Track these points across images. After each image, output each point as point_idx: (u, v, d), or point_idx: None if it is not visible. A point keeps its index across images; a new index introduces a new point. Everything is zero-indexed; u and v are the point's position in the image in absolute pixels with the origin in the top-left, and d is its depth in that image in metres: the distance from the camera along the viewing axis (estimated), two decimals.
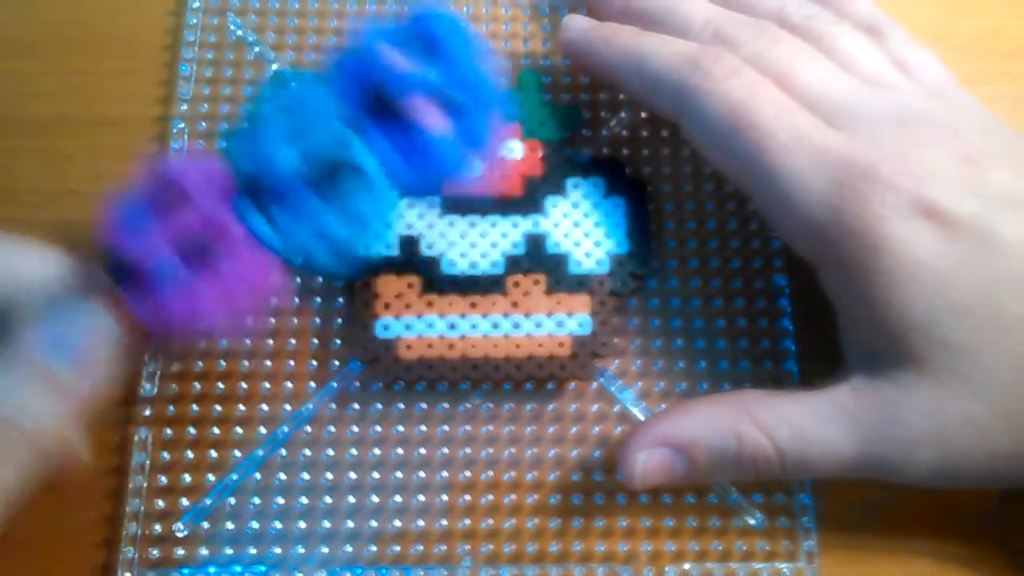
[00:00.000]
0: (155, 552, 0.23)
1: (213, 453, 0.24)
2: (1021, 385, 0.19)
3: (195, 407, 0.24)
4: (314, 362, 0.24)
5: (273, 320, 0.25)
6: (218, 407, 0.24)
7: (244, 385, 0.24)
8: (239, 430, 0.24)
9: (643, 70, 0.23)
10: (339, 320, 0.25)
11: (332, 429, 0.24)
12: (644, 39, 0.23)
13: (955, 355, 0.19)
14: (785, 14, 0.23)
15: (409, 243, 0.24)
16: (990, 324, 0.19)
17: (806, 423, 0.20)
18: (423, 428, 0.24)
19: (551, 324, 0.24)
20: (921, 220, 0.19)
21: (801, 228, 0.21)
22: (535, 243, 0.25)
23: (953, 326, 0.19)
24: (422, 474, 0.24)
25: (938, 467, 0.20)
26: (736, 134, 0.21)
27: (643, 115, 0.27)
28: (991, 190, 0.20)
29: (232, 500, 0.23)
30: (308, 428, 0.24)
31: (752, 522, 0.23)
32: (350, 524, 0.23)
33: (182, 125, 0.26)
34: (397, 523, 0.23)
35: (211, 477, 0.23)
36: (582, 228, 0.25)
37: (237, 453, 0.24)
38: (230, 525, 0.23)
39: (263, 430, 0.24)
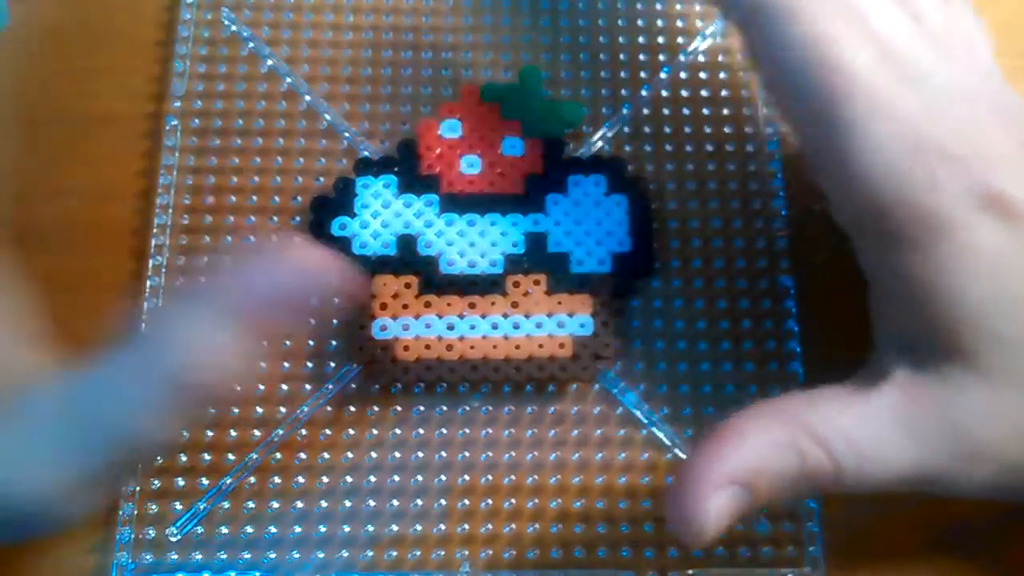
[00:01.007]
0: (148, 557, 0.22)
1: (207, 456, 0.23)
2: None
3: None
4: (310, 364, 0.24)
5: None
6: (212, 409, 0.23)
7: (238, 387, 0.24)
8: (233, 433, 0.23)
9: None
10: (335, 321, 0.24)
11: (328, 432, 0.23)
12: None
13: (1011, 354, 0.18)
14: None
15: (406, 242, 0.24)
16: None
17: (862, 434, 0.18)
18: (421, 431, 0.24)
19: (552, 325, 0.23)
20: (986, 208, 0.18)
21: (860, 191, 0.19)
22: (535, 242, 0.24)
23: (1008, 319, 0.18)
24: (420, 478, 0.23)
25: (996, 480, 0.19)
26: (816, 72, 0.19)
27: (645, 112, 0.27)
28: None
29: (226, 504, 0.23)
30: (303, 431, 0.24)
31: (756, 527, 0.23)
32: (346, 529, 0.23)
33: (175, 122, 0.26)
34: (394, 528, 0.23)
35: (205, 481, 0.23)
36: (583, 227, 0.24)
37: (231, 456, 0.23)
38: (224, 529, 0.23)
39: (258, 433, 0.23)
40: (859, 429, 0.18)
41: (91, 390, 0.18)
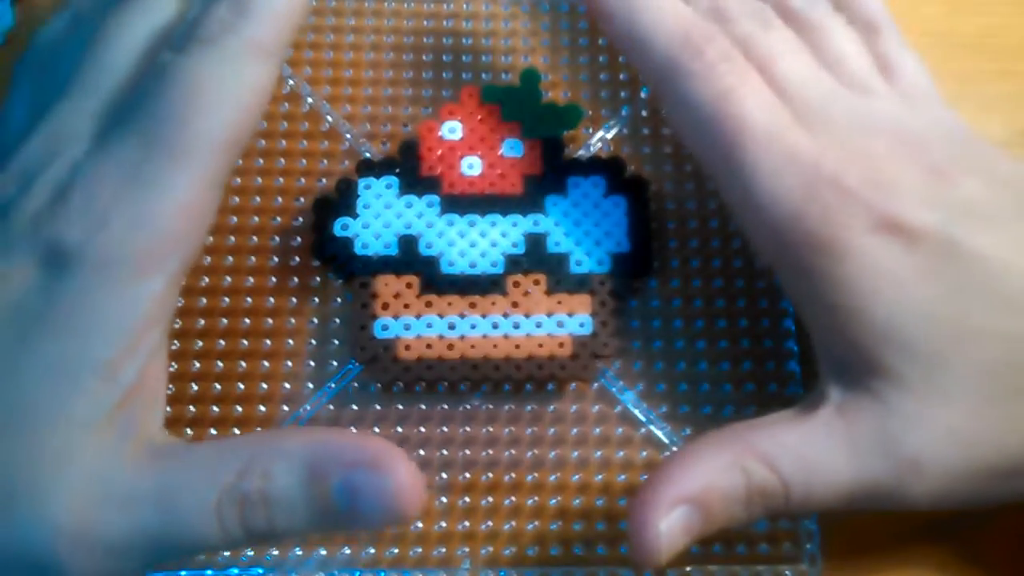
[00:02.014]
0: None
1: None
2: (996, 394, 0.19)
3: (192, 408, 0.24)
4: (312, 363, 0.24)
5: (271, 320, 0.24)
6: (215, 408, 0.24)
7: (241, 386, 0.24)
8: (236, 431, 0.24)
9: (635, 21, 0.22)
10: (337, 320, 0.25)
11: None
12: None
13: (926, 365, 0.19)
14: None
15: (407, 242, 0.24)
16: (955, 332, 0.19)
17: (805, 451, 0.19)
18: (422, 429, 0.24)
19: (551, 324, 0.24)
20: (883, 232, 0.19)
21: (764, 228, 0.20)
22: (535, 242, 0.24)
23: (918, 335, 0.19)
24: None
25: (942, 489, 0.19)
26: (716, 123, 0.21)
27: (644, 113, 0.27)
28: (956, 201, 0.20)
29: None
30: None
31: (755, 525, 0.23)
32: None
33: None
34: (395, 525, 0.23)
35: None
36: (583, 227, 0.25)
37: None
38: None
39: (261, 431, 0.24)
40: (802, 447, 0.19)
41: None
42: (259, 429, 0.24)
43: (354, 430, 0.24)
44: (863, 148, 0.20)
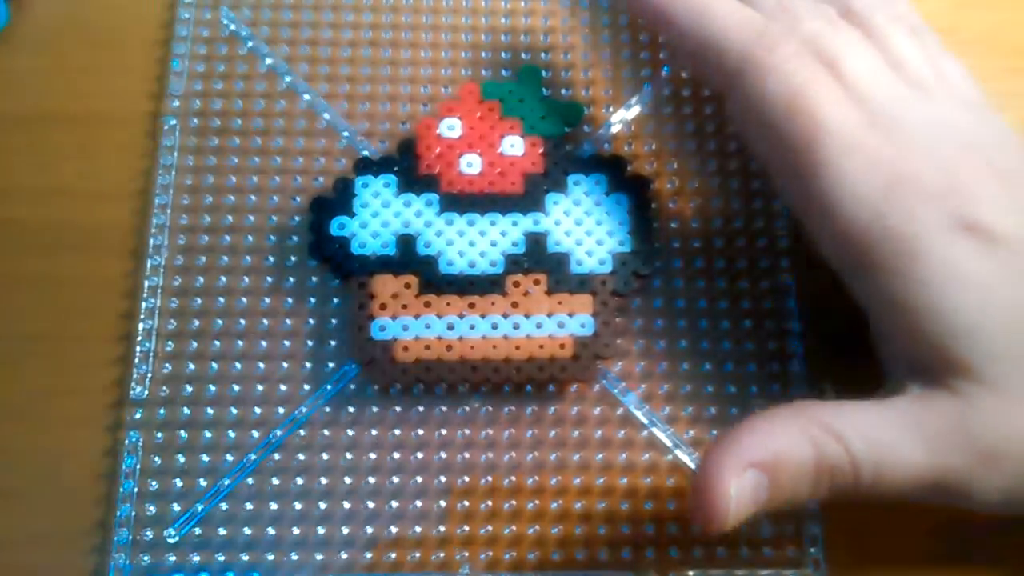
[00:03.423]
0: (146, 558, 0.22)
1: (205, 457, 0.23)
2: None
3: (186, 410, 0.23)
4: (308, 364, 0.24)
5: (267, 321, 0.24)
6: (210, 410, 0.23)
7: (237, 388, 0.24)
8: (232, 434, 0.23)
9: (705, 26, 0.22)
10: (334, 321, 0.24)
11: (327, 433, 0.23)
12: None
13: (1007, 364, 0.19)
14: (847, 1, 0.23)
15: (406, 241, 0.24)
16: None
17: (878, 432, 0.19)
18: (420, 432, 0.23)
19: (552, 325, 0.23)
20: (963, 233, 0.19)
21: (840, 229, 0.20)
22: (536, 242, 0.24)
23: (999, 334, 0.19)
24: (419, 479, 0.23)
25: (1008, 485, 0.19)
26: (790, 120, 0.21)
27: (646, 111, 0.27)
28: None
29: (224, 505, 0.23)
30: (302, 432, 0.23)
31: (758, 528, 0.23)
32: (345, 530, 0.23)
33: (174, 121, 0.26)
34: (393, 529, 0.23)
35: (203, 482, 0.23)
36: (584, 226, 0.24)
37: (229, 457, 0.23)
38: (222, 531, 0.23)
39: (256, 434, 0.23)
40: (876, 431, 0.19)
41: None
42: (254, 432, 0.23)
43: (351, 432, 0.23)
44: (935, 150, 0.20)
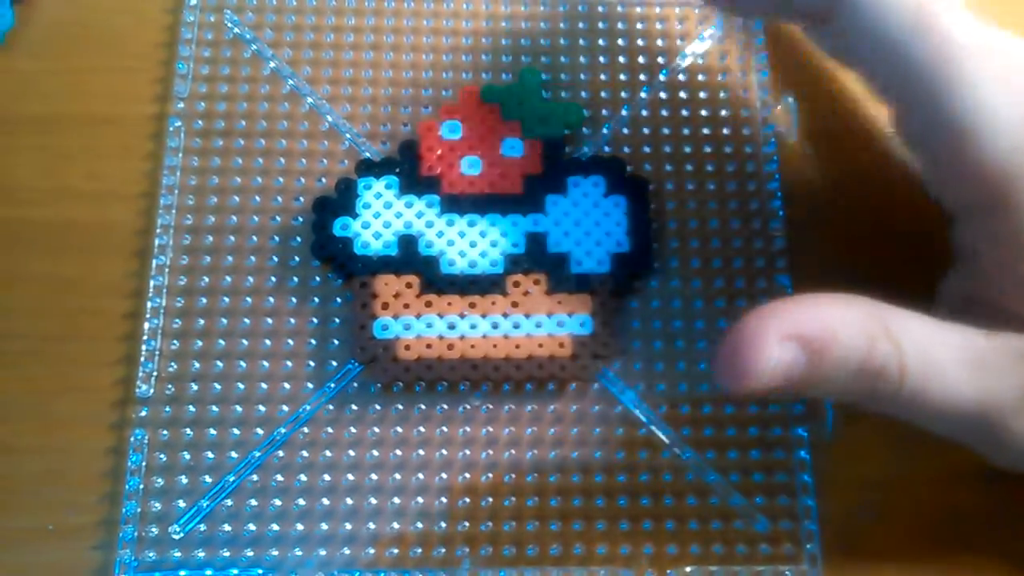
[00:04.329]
0: (151, 555, 0.23)
1: (210, 455, 0.23)
2: None
3: (192, 408, 0.24)
4: (311, 363, 0.24)
5: (270, 320, 0.24)
6: (215, 408, 0.24)
7: (241, 386, 0.24)
8: (236, 431, 0.24)
9: None
10: (336, 320, 0.25)
11: (330, 430, 0.24)
12: None
13: None
14: None
15: (407, 242, 0.24)
16: None
17: (936, 350, 0.17)
18: (421, 429, 0.24)
19: (551, 324, 0.24)
20: None
21: (973, 159, 0.18)
22: (535, 242, 0.24)
23: None
24: (421, 476, 0.23)
25: None
26: (918, 37, 0.18)
27: (644, 113, 0.27)
28: None
29: (229, 502, 0.23)
30: (305, 429, 0.24)
31: (754, 525, 0.23)
32: (348, 527, 0.23)
33: (179, 123, 0.26)
34: (395, 526, 0.23)
35: (208, 479, 0.23)
36: (583, 227, 0.25)
37: (234, 455, 0.23)
38: (227, 527, 0.23)
39: (260, 431, 0.24)
40: (935, 346, 0.18)
41: None
42: (258, 430, 0.24)
43: (354, 430, 0.24)
44: None
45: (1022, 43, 0.19)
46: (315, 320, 0.25)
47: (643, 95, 0.27)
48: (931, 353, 0.18)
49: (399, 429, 0.24)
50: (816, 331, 0.17)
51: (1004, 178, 0.18)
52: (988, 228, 0.19)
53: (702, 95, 0.27)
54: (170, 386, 0.24)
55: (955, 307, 0.20)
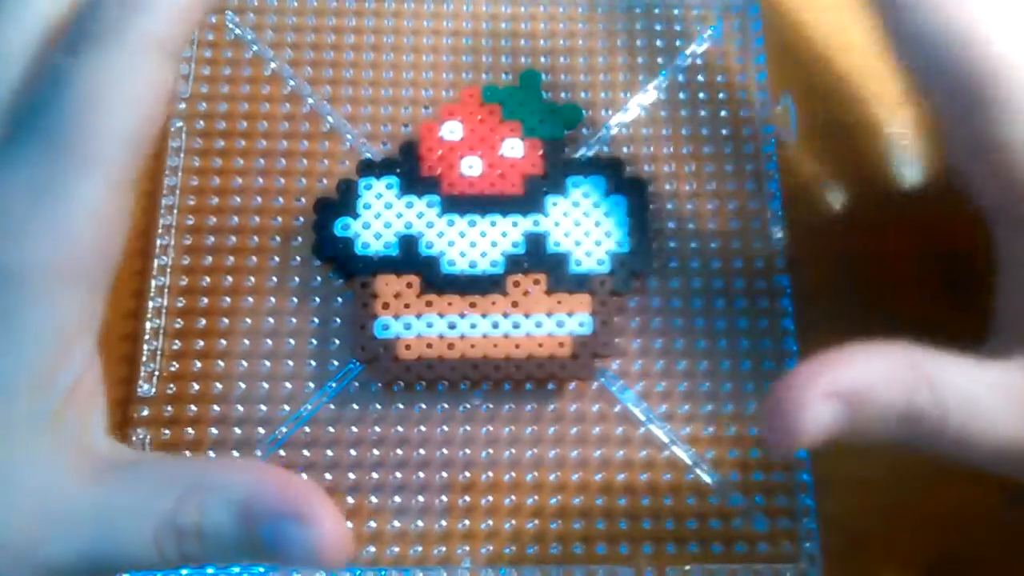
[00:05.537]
0: None
1: (211, 454, 0.23)
2: None
3: (193, 407, 0.24)
4: (312, 362, 0.24)
5: (271, 320, 0.25)
6: (216, 407, 0.24)
7: (242, 385, 0.24)
8: (237, 431, 0.24)
9: None
10: (337, 320, 0.25)
11: (331, 430, 0.24)
12: None
13: None
14: None
15: (408, 242, 0.24)
16: None
17: (976, 391, 0.18)
18: (422, 429, 0.24)
19: (551, 324, 0.24)
20: None
21: (1009, 174, 0.19)
22: (535, 242, 0.24)
23: None
24: (421, 475, 0.23)
25: None
26: (965, 51, 0.19)
27: (644, 114, 0.27)
28: None
29: None
30: (307, 429, 0.24)
31: (754, 524, 0.23)
32: (348, 525, 0.23)
33: (180, 124, 0.26)
34: (396, 524, 0.23)
35: None
36: (583, 227, 0.25)
37: (235, 454, 0.23)
38: None
39: (261, 431, 0.24)
40: (974, 388, 0.18)
41: None
42: (259, 429, 0.24)
43: (355, 429, 0.24)
44: None
45: None
46: (316, 320, 0.25)
47: (642, 96, 0.27)
48: (971, 395, 0.18)
49: (400, 428, 0.24)
50: (855, 387, 0.17)
51: None
52: (1018, 241, 0.19)
53: (702, 95, 0.27)
54: (171, 385, 0.24)
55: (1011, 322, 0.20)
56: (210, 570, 0.23)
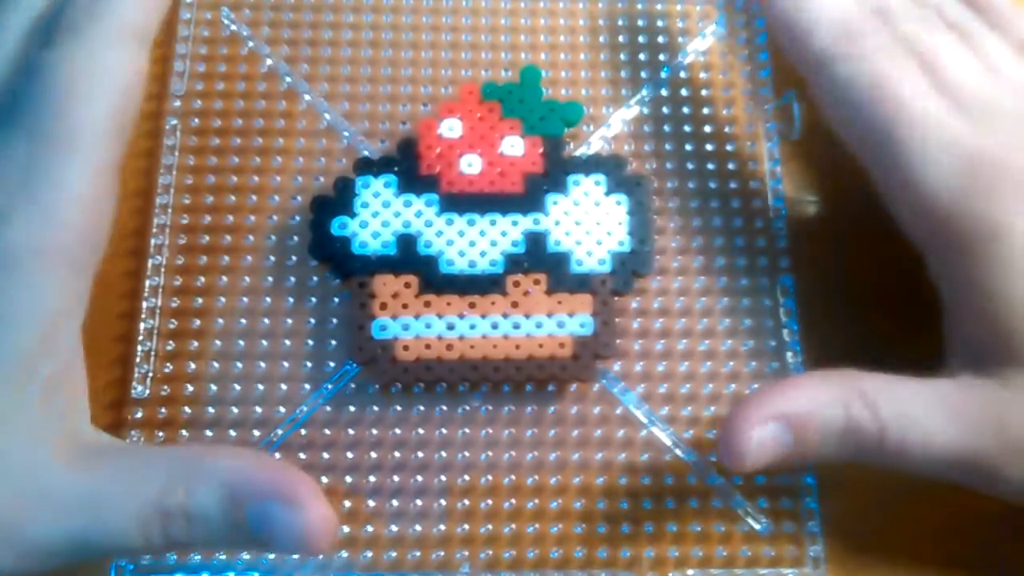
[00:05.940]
0: (147, 557, 0.22)
1: None
2: None
3: (187, 409, 0.23)
4: (309, 364, 0.24)
5: (267, 320, 0.24)
6: (211, 409, 0.23)
7: (237, 387, 0.24)
8: (232, 433, 0.23)
9: (800, 11, 0.23)
10: (334, 320, 0.24)
11: (327, 432, 0.23)
12: None
13: None
14: (943, 8, 0.24)
15: (406, 241, 0.24)
16: None
17: (910, 405, 0.19)
18: (420, 431, 0.24)
19: (552, 324, 0.23)
20: None
21: (923, 208, 0.21)
22: (535, 241, 0.24)
23: None
24: (419, 478, 0.23)
25: None
26: (875, 104, 0.21)
27: (645, 111, 0.27)
28: None
29: None
30: (303, 431, 0.23)
31: (757, 527, 0.23)
32: (345, 529, 0.23)
33: (175, 121, 0.26)
34: (394, 528, 0.23)
35: None
36: (584, 226, 0.24)
37: None
38: None
39: (257, 433, 0.23)
40: (907, 402, 0.19)
41: None
42: (255, 432, 0.23)
43: (352, 432, 0.23)
44: (1021, 139, 0.21)
45: (961, 116, 0.21)
46: (312, 320, 0.24)
47: (644, 93, 0.27)
48: (906, 408, 0.19)
49: (397, 431, 0.24)
50: (797, 410, 0.19)
51: (948, 225, 0.20)
52: (940, 267, 0.21)
53: (703, 93, 0.27)
54: (165, 387, 0.24)
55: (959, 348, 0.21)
56: (205, 574, 0.22)
